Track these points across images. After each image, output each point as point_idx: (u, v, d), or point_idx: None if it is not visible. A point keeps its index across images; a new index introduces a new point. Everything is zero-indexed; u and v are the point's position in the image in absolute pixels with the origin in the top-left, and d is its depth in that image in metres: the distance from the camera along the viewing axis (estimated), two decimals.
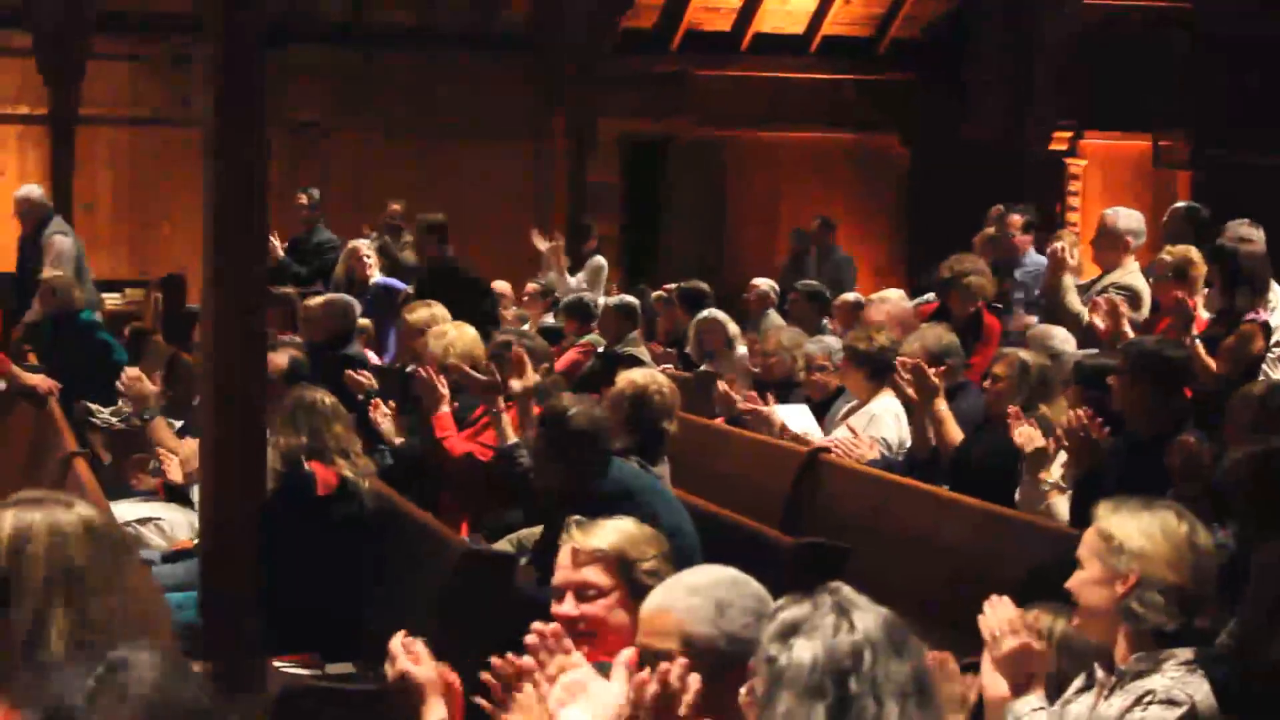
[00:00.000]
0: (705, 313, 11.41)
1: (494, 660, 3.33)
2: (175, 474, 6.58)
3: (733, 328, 11.22)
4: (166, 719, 2.03)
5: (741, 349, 11.03)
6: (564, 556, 3.71)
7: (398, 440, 7.94)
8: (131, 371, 7.57)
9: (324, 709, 5.45)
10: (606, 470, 5.94)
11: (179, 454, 6.60)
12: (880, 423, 7.93)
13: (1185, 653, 3.67)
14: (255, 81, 5.37)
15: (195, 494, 6.36)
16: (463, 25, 18.04)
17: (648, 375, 6.81)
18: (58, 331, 10.97)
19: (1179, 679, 3.62)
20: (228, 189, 5.33)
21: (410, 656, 3.59)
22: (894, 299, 9.89)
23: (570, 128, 17.72)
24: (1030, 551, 5.71)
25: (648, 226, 19.19)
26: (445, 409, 7.49)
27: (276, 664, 5.64)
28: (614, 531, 3.69)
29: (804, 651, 2.56)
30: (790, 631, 2.59)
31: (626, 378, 6.69)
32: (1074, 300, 8.73)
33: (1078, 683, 3.88)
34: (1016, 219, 10.36)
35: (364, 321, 10.93)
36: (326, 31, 17.37)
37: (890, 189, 19.55)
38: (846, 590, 2.65)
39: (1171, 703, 3.58)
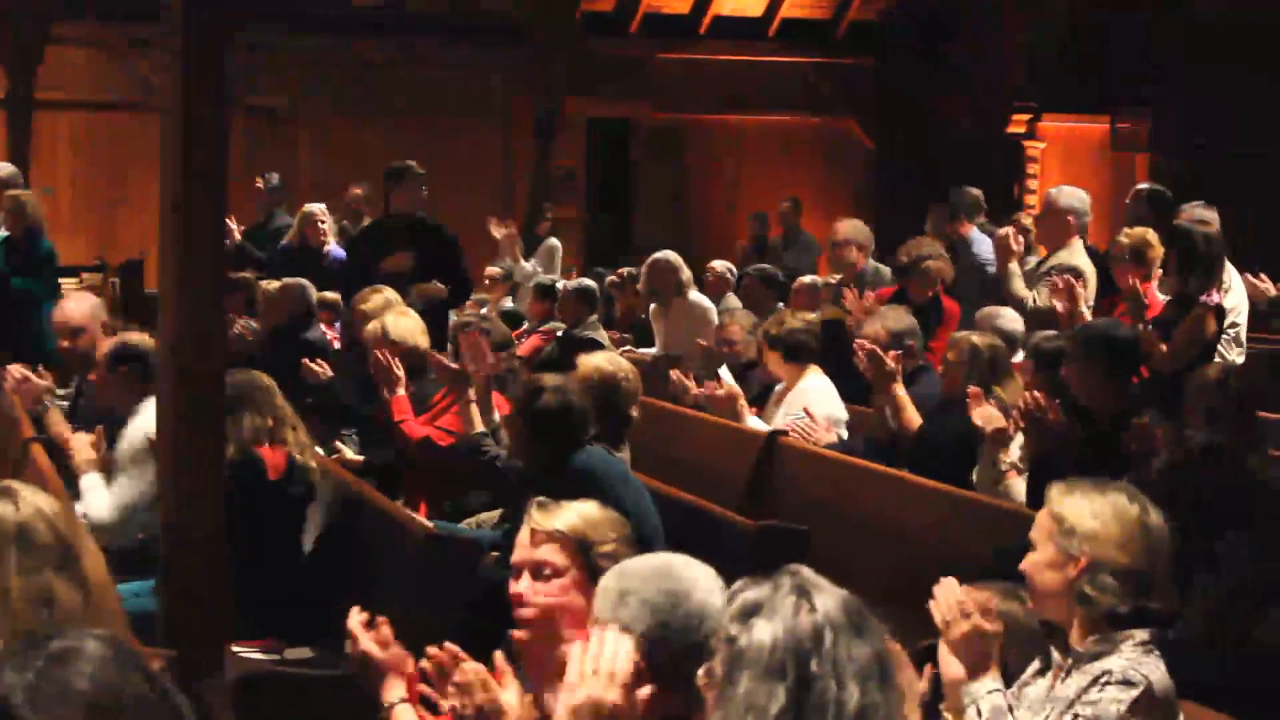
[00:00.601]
0: (660, 254, 11.41)
1: (429, 650, 3.35)
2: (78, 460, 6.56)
3: (685, 273, 11.24)
4: (110, 712, 2.00)
5: (694, 295, 11.13)
6: (523, 535, 3.72)
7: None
8: (15, 371, 7.49)
9: (283, 695, 5.46)
10: (578, 453, 5.95)
11: (71, 445, 6.56)
12: (807, 402, 7.95)
13: (1142, 633, 3.67)
14: (217, 67, 5.34)
15: (84, 483, 6.37)
16: (430, 11, 17.98)
17: (614, 361, 6.76)
18: (15, 254, 10.76)
19: (1135, 659, 3.62)
20: (187, 174, 5.30)
21: (373, 637, 3.60)
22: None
23: (533, 112, 17.70)
24: (990, 533, 5.74)
25: (617, 211, 19.18)
26: (401, 392, 7.48)
27: (235, 649, 5.62)
28: (574, 513, 3.70)
29: (764, 632, 2.56)
30: (750, 612, 2.59)
31: (592, 363, 6.63)
32: (1019, 286, 8.76)
33: (1035, 665, 3.90)
34: (936, 213, 10.37)
35: (332, 296, 10.82)
36: (293, 16, 17.28)
37: (853, 172, 19.57)
38: (807, 572, 2.65)
39: (1127, 683, 3.58)
